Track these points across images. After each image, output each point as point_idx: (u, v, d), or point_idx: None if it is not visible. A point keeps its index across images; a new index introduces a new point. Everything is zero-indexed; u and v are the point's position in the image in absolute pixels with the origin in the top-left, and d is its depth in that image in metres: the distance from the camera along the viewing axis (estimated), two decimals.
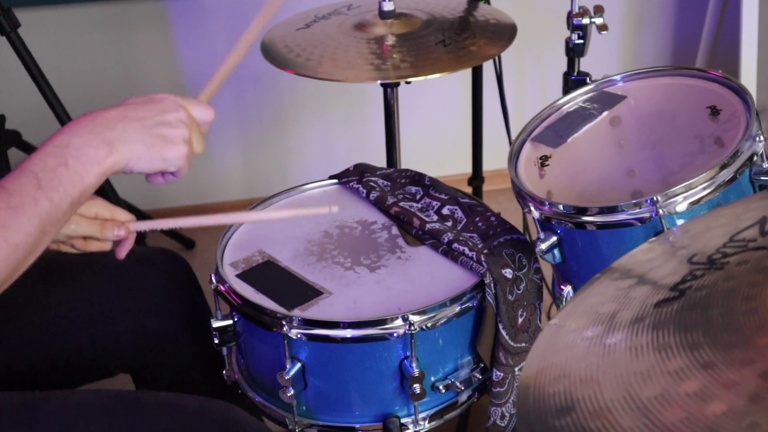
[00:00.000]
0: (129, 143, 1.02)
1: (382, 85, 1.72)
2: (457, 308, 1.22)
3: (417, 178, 1.48)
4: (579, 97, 1.46)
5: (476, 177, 2.29)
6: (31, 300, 1.32)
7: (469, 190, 2.26)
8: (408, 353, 1.19)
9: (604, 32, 1.66)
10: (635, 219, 1.17)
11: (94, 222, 1.21)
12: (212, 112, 1.11)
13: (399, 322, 1.18)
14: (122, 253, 1.24)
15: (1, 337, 1.30)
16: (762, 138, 1.20)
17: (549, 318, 1.81)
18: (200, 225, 1.23)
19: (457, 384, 1.24)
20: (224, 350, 1.35)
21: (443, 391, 1.23)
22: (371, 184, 1.47)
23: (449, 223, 1.37)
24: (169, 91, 1.10)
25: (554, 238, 1.26)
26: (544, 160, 1.37)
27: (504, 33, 1.66)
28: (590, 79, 1.71)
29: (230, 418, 1.15)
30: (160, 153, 1.04)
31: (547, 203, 1.24)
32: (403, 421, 1.24)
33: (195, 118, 1.08)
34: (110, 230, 1.21)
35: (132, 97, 1.07)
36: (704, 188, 1.16)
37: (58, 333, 1.32)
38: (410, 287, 1.27)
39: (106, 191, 2.19)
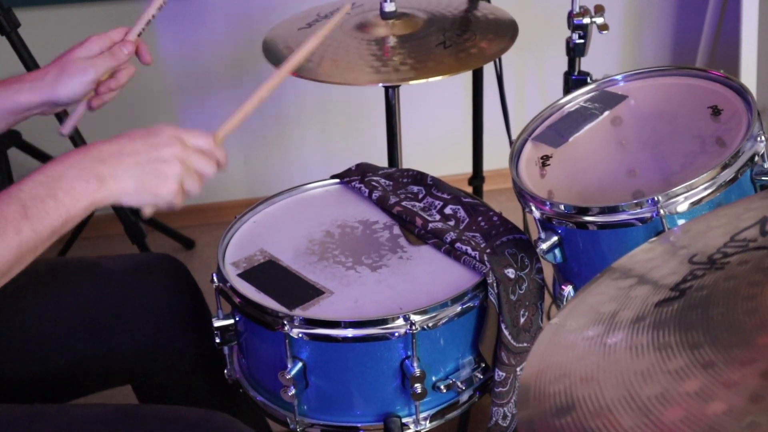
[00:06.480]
0: (120, 179, 1.03)
1: (383, 85, 1.72)
2: (458, 308, 1.22)
3: (419, 177, 1.48)
4: (580, 96, 1.46)
5: (477, 177, 2.29)
6: (29, 308, 1.31)
7: (469, 189, 2.26)
8: (409, 353, 1.19)
9: (604, 32, 1.66)
10: (636, 219, 1.17)
11: (104, 56, 1.29)
12: (208, 139, 1.10)
13: (400, 321, 1.18)
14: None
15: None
16: (763, 138, 1.20)
17: (549, 318, 1.81)
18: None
19: (458, 384, 1.24)
20: (225, 349, 1.35)
21: (444, 390, 1.24)
22: (373, 183, 1.47)
23: (452, 223, 1.37)
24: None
25: (555, 238, 1.26)
26: (545, 160, 1.37)
27: (505, 31, 1.66)
28: (591, 79, 1.71)
29: (230, 430, 1.15)
30: (152, 189, 1.05)
31: (548, 203, 1.24)
32: (404, 420, 1.24)
33: (192, 149, 1.08)
34: (121, 52, 1.32)
35: (131, 131, 1.07)
36: (705, 188, 1.16)
37: (57, 341, 1.31)
38: (411, 287, 1.27)
39: None
